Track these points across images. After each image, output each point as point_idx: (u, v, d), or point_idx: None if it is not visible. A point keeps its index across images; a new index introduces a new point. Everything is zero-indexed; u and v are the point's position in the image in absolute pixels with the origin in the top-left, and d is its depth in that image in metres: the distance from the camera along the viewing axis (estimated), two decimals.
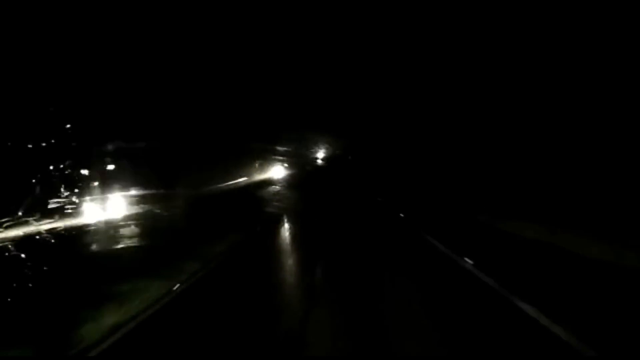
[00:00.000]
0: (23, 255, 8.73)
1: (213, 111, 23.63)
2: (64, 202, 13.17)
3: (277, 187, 29.44)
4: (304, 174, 32.93)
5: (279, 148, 32.62)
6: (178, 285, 7.05)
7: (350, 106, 34.80)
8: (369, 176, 34.68)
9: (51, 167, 13.22)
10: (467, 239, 11.04)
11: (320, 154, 37.71)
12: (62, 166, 13.44)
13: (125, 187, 15.84)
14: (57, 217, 12.55)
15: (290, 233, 13.56)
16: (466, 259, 8.04)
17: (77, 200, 13.53)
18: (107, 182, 14.80)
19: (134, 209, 15.56)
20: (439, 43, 21.67)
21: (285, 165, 33.06)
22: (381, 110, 33.47)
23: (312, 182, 30.85)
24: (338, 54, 30.43)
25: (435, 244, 10.05)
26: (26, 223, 11.45)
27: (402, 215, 17.01)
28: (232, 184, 26.20)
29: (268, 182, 30.36)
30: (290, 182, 30.60)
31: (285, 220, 16.33)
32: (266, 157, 32.24)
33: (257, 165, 31.44)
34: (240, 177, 28.55)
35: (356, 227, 14.15)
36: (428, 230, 12.11)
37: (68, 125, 13.67)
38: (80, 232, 11.95)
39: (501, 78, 16.60)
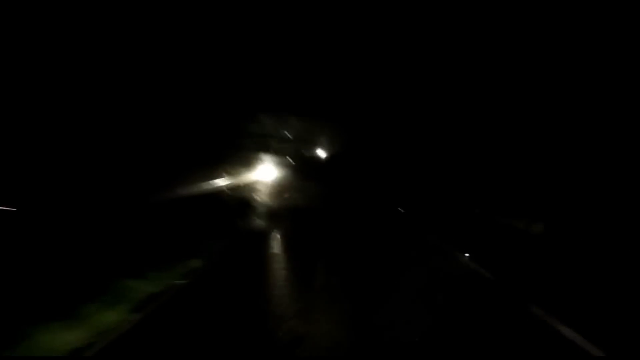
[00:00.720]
0: None
1: (200, 103, 20.62)
2: None
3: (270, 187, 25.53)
4: (300, 174, 28.99)
5: (273, 146, 29.08)
6: None
7: (351, 103, 31.90)
8: (377, 176, 30.38)
9: None
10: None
11: (320, 152, 33.62)
12: None
13: None
14: None
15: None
16: None
17: None
18: None
19: None
20: (448, 35, 20.31)
21: (279, 164, 29.28)
22: (384, 107, 31.15)
23: (311, 184, 26.70)
24: (337, 51, 27.49)
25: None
26: None
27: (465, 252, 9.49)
28: (212, 186, 21.40)
29: (260, 185, 26.15)
30: (285, 185, 26.53)
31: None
32: (257, 155, 28.66)
33: (247, 163, 27.64)
34: (225, 176, 24.27)
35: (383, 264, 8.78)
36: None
37: None
38: None
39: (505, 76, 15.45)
